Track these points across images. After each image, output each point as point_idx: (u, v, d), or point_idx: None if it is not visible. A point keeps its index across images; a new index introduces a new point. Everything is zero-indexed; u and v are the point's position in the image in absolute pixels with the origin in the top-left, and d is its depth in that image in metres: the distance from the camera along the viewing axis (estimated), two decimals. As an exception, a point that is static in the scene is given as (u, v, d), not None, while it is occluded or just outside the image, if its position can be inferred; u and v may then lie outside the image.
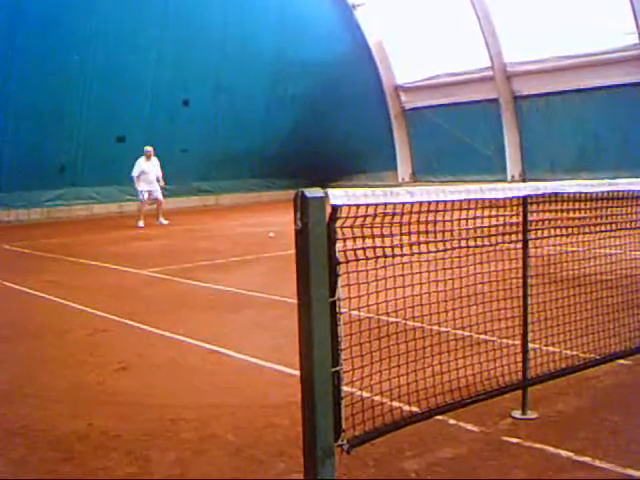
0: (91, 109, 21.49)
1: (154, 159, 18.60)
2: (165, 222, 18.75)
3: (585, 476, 3.64)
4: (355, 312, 3.67)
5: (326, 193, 3.13)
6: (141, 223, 18.31)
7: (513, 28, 22.43)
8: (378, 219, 3.55)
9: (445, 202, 3.81)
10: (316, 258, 3.09)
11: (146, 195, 18.55)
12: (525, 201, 4.35)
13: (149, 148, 18.46)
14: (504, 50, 23.06)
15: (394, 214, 3.65)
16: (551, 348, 4.83)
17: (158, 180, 18.63)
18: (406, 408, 3.99)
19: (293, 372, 4.94)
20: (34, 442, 4.36)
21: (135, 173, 18.36)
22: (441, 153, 25.44)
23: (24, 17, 19.35)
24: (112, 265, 11.76)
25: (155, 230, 17.67)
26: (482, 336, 4.75)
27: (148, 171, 18.37)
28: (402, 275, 3.95)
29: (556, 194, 4.52)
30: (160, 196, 18.92)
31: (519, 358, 4.41)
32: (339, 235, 3.23)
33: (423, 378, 3.99)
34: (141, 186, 18.47)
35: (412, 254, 3.88)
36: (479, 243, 4.32)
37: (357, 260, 3.43)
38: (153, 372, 5.84)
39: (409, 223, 3.78)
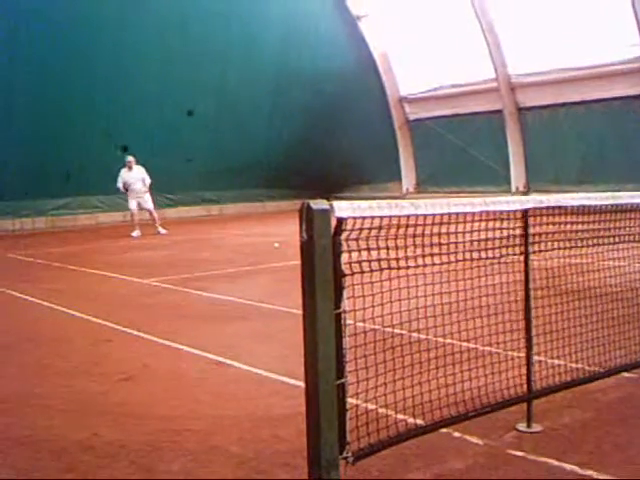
0: (96, 118, 21.59)
1: (137, 168, 18.39)
2: (164, 231, 18.55)
3: (590, 490, 3.63)
4: (360, 324, 3.68)
5: (331, 205, 3.14)
6: (135, 233, 18.25)
7: (517, 40, 22.50)
8: (383, 231, 3.56)
9: (450, 214, 3.83)
10: (321, 270, 3.10)
11: (135, 204, 18.44)
12: (526, 214, 4.36)
13: (130, 158, 18.39)
14: (508, 62, 23.12)
15: (399, 226, 3.66)
16: (556, 361, 4.82)
17: (145, 188, 18.45)
18: (411, 420, 3.99)
19: (298, 383, 4.94)
20: (38, 452, 4.35)
21: (118, 184, 18.32)
22: (445, 164, 25.46)
23: (28, 26, 19.46)
24: (116, 274, 11.78)
25: (159, 240, 17.70)
26: (487, 348, 4.75)
27: (130, 181, 18.26)
28: (407, 287, 3.96)
29: (559, 207, 4.53)
30: (149, 206, 18.63)
31: (524, 370, 4.40)
32: (344, 247, 3.24)
33: (428, 390, 3.98)
34: (130, 196, 18.43)
35: (417, 266, 3.88)
36: (483, 255, 4.33)
37: (362, 272, 3.44)
38: (157, 382, 5.84)
39: (414, 235, 3.79)
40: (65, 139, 21.21)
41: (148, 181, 18.47)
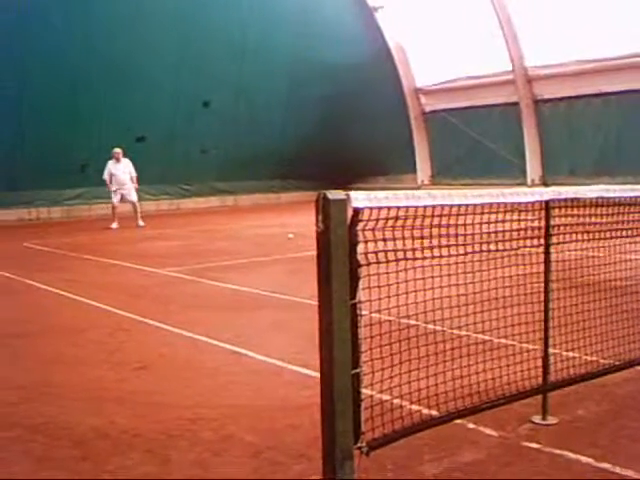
0: (112, 109, 21.64)
1: (125, 160, 18.55)
2: (142, 224, 18.51)
3: (605, 483, 3.62)
4: (376, 315, 3.67)
5: (348, 195, 3.13)
6: (114, 225, 18.31)
7: (534, 31, 22.35)
8: (399, 222, 3.54)
9: (467, 206, 3.80)
10: (337, 260, 3.09)
11: (119, 197, 18.54)
12: (547, 205, 4.33)
13: (117, 150, 18.47)
14: (525, 53, 22.97)
15: (415, 217, 3.64)
16: (571, 353, 4.79)
17: (132, 181, 18.56)
18: (425, 411, 3.98)
19: (313, 374, 4.96)
20: (55, 439, 4.39)
21: (105, 176, 18.42)
22: (461, 156, 25.35)
23: (43, 17, 19.50)
24: (131, 264, 11.83)
25: (173, 230, 17.75)
26: (502, 340, 4.73)
27: (117, 173, 18.37)
28: (423, 278, 3.94)
29: (578, 199, 4.50)
30: (134, 197, 18.76)
31: (539, 363, 4.38)
32: (360, 237, 3.23)
33: (443, 382, 3.97)
34: (114, 188, 18.48)
35: (433, 257, 3.87)
36: (500, 247, 4.30)
37: (378, 263, 3.43)
38: (173, 371, 5.87)
39: (430, 226, 3.77)
40: (81, 130, 21.28)
41: (134, 174, 18.56)
